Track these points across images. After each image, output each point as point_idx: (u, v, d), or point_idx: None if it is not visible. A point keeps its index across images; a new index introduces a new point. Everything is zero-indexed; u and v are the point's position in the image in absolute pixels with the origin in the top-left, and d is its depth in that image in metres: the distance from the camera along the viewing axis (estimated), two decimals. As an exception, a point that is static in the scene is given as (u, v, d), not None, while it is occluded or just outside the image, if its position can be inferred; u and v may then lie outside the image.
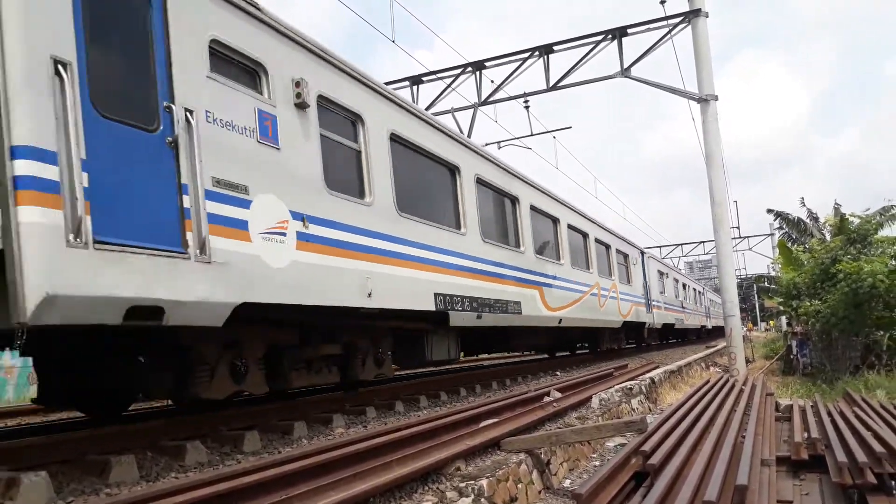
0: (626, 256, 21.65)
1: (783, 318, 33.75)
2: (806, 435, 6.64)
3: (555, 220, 15.00)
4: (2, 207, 3.87)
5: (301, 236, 6.36)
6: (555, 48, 16.57)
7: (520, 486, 5.13)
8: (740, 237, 46.71)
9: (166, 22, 5.14)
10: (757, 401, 8.93)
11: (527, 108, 19.27)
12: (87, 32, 4.49)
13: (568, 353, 20.76)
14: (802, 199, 28.39)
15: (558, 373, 14.57)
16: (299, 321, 7.01)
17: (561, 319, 14.09)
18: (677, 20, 15.38)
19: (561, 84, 16.85)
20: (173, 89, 5.09)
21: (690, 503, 4.13)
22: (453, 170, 10.21)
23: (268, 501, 3.67)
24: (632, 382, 10.44)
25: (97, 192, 4.32)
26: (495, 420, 6.57)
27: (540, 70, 16.76)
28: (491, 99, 17.75)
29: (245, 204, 5.65)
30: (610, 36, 15.92)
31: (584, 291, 16.25)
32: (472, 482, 4.56)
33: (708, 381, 11.06)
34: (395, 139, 8.48)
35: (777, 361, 23.75)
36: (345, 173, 7.51)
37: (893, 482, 5.16)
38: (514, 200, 12.62)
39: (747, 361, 19.74)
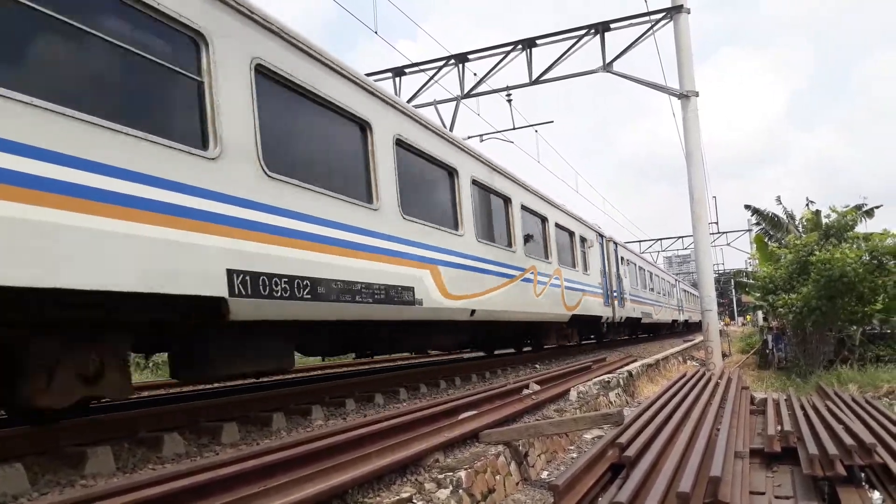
0: None
1: (760, 313, 34.21)
2: (779, 428, 6.74)
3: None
4: None
5: None
6: (537, 42, 16.60)
7: (498, 477, 5.16)
8: (718, 232, 47.26)
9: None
10: (732, 394, 9.05)
11: (509, 101, 19.30)
12: None
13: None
14: (779, 197, 28.73)
15: (537, 366, 14.67)
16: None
17: None
18: (659, 16, 15.48)
19: (543, 78, 16.89)
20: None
21: (665, 494, 4.19)
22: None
23: (246, 492, 3.66)
24: (609, 375, 10.53)
25: None
26: (474, 412, 6.60)
27: (523, 64, 16.81)
28: (473, 92, 17.75)
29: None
30: (593, 31, 15.99)
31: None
32: (451, 474, 4.58)
33: (685, 375, 11.17)
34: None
35: (753, 356, 24.07)
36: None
37: (862, 474, 5.28)
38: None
39: (724, 355, 20.00)
